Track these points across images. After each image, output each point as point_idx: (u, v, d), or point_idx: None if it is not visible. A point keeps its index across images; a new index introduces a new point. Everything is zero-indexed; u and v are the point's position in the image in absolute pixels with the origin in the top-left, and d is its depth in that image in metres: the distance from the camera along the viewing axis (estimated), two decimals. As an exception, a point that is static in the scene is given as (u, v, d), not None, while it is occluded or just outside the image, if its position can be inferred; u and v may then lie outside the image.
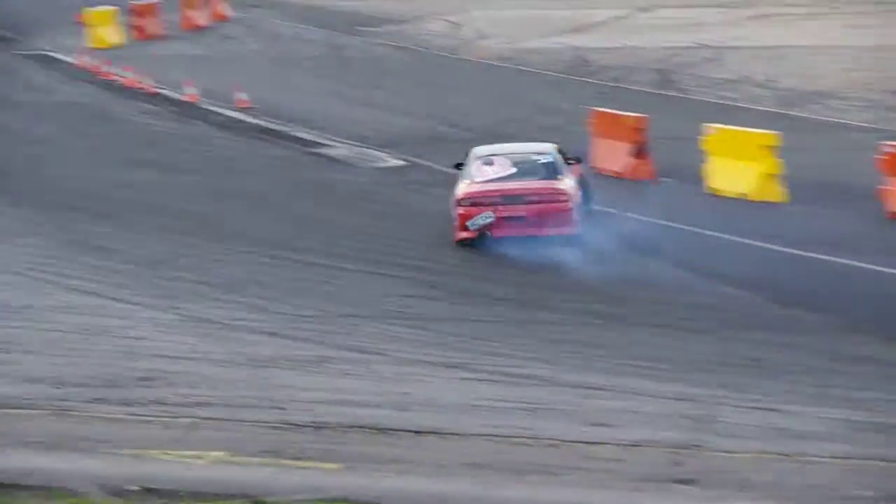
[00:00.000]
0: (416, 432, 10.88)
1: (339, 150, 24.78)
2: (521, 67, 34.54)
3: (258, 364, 13.06)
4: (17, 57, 34.92)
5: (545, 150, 19.05)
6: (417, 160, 23.99)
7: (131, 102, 28.82)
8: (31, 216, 19.13)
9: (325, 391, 12.18)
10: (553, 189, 18.19)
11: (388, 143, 25.19)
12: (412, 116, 28.54)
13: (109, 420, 11.16)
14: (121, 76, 31.40)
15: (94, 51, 35.32)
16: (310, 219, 20.03)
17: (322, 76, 34.07)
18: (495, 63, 35.70)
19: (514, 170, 18.54)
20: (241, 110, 27.93)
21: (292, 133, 25.98)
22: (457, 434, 10.83)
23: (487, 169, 18.55)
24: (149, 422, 11.08)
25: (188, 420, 11.12)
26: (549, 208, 18.00)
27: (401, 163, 23.88)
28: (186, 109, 28.37)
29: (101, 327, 14.11)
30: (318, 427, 10.98)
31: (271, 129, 26.50)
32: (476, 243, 18.03)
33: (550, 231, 17.88)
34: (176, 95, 29.66)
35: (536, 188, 18.23)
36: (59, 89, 30.52)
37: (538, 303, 16.14)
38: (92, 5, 39.52)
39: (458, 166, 18.81)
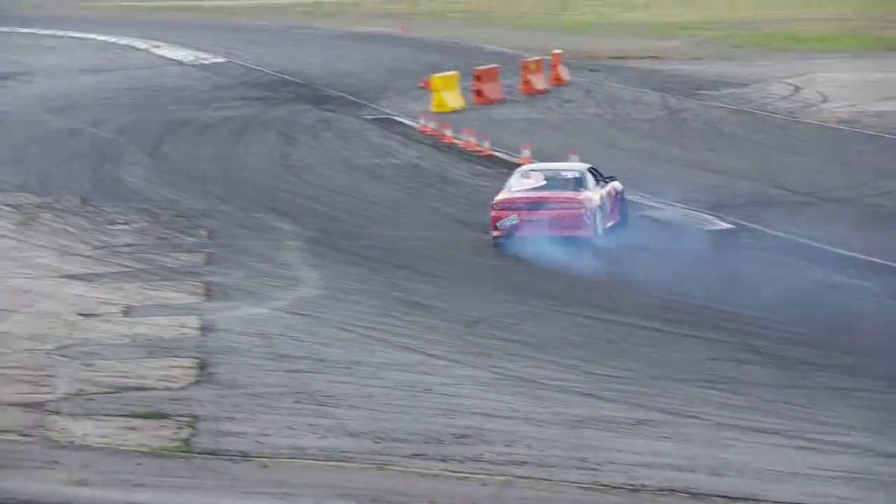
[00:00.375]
0: (731, 498, 10.75)
1: (667, 212, 24.59)
2: (863, 131, 33.50)
3: (573, 424, 13.10)
4: (364, 121, 36.37)
5: (575, 168, 22.99)
6: (749, 223, 23.55)
7: (467, 165, 29.48)
8: (363, 274, 19.77)
9: (639, 453, 12.11)
10: (569, 198, 21.61)
11: (719, 206, 24.83)
12: (745, 179, 28.10)
13: (427, 476, 11.41)
14: (458, 139, 32.23)
15: (435, 115, 36.40)
16: (632, 280, 19.90)
17: (656, 139, 33.98)
18: (836, 126, 34.75)
19: (544, 182, 22.12)
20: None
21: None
22: (772, 501, 10.67)
23: (524, 181, 22.26)
24: (465, 478, 11.29)
25: (503, 478, 11.27)
26: (564, 214, 21.40)
27: (731, 226, 23.46)
28: (519, 172, 28.80)
29: (422, 384, 14.41)
30: (633, 490, 10.94)
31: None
32: (504, 241, 21.24)
33: (565, 233, 21.28)
34: (510, 158, 30.17)
35: (555, 197, 21.67)
36: (399, 152, 31.53)
37: (861, 370, 15.54)
38: (438, 70, 40.92)
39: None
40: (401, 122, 36.15)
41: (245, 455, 11.93)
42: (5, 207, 24.40)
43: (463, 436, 12.60)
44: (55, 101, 39.55)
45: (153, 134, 33.44)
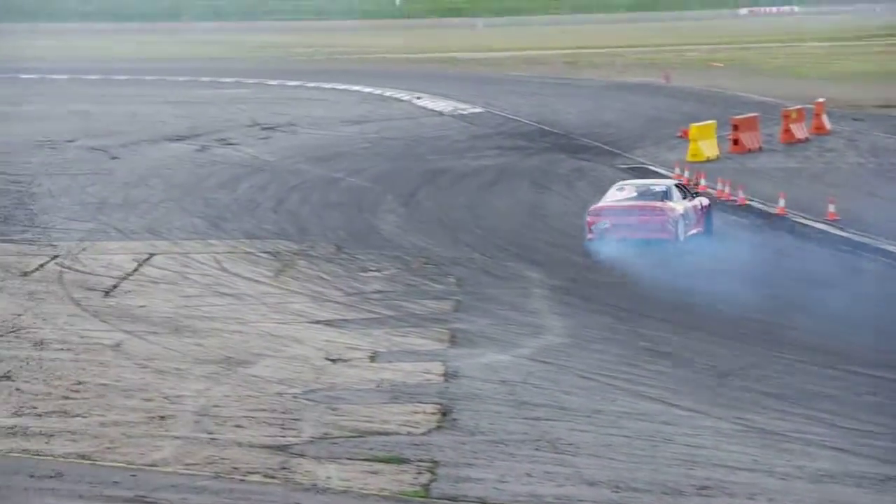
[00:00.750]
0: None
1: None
2: None
3: (817, 478, 12.79)
4: (618, 170, 36.21)
5: (663, 183, 26.79)
6: None
7: (720, 214, 28.99)
8: (609, 323, 19.62)
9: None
10: (654, 207, 24.83)
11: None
12: None
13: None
14: (713, 188, 31.77)
15: (690, 164, 36.04)
16: (889, 332, 19.19)
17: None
18: None
19: (634, 194, 25.45)
20: (829, 223, 27.38)
21: (880, 246, 25.08)
22: None
23: (618, 193, 25.66)
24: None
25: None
26: (649, 220, 24.63)
27: None
28: (774, 221, 28.15)
29: (662, 434, 14.21)
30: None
31: (858, 242, 25.73)
32: (597, 243, 24.64)
33: (650, 236, 24.65)
34: (765, 207, 29.55)
35: (641, 205, 24.92)
36: (652, 201, 31.25)
37: None
38: (697, 120, 40.55)
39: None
40: (655, 172, 35.84)
41: (483, 501, 12.02)
42: (264, 255, 25.20)
43: (704, 487, 12.42)
44: (316, 151, 40.72)
45: (409, 182, 34.07)
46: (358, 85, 67.16)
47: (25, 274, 23.08)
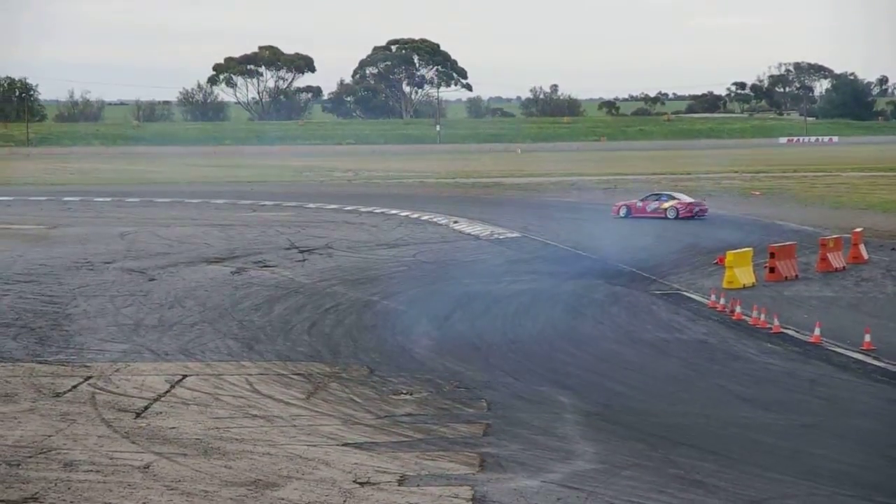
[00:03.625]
0: None
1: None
2: None
3: None
4: (653, 296, 36.18)
5: None
6: None
7: (755, 342, 28.86)
8: (641, 450, 19.42)
9: None
10: None
11: None
12: None
13: None
14: (748, 316, 31.67)
15: (726, 291, 36.00)
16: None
17: (960, 318, 32.47)
18: None
19: None
20: (865, 352, 27.20)
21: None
22: None
23: None
24: None
25: None
26: None
27: None
28: (808, 350, 27.98)
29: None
30: None
31: (894, 373, 25.51)
32: None
33: None
34: (800, 336, 29.40)
35: None
36: (687, 327, 31.13)
37: None
38: (734, 247, 40.58)
39: None
40: (690, 298, 35.79)
41: None
42: (296, 377, 25.22)
43: None
44: (352, 274, 40.89)
45: (443, 306, 34.10)
46: (395, 209, 67.72)
47: (58, 395, 23.16)
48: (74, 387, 23.87)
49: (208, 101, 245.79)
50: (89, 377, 24.76)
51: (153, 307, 33.92)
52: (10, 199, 77.05)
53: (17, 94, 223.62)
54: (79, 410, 21.92)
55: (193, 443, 19.75)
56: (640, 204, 63.38)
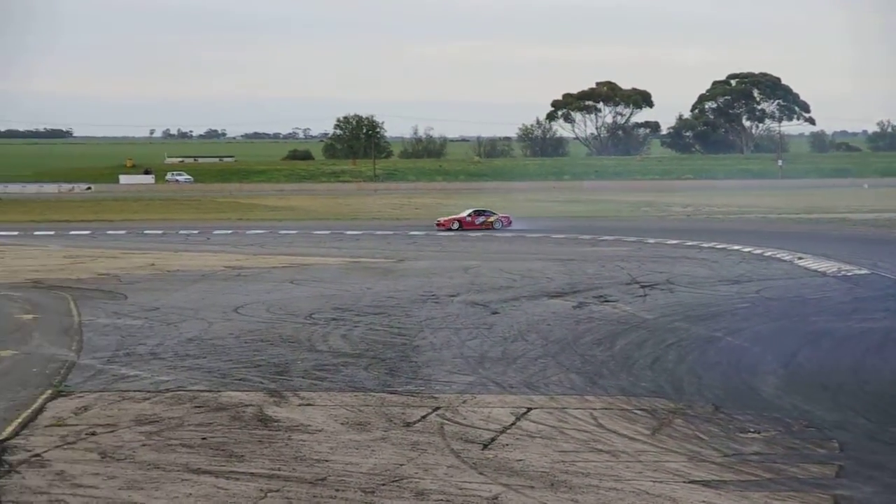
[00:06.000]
0: None
1: None
2: None
3: None
4: None
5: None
6: None
7: None
8: None
9: None
10: None
11: None
12: None
13: None
14: None
15: None
16: None
17: None
18: None
19: None
20: None
21: None
22: None
23: None
24: None
25: None
26: None
27: None
28: None
29: None
30: None
31: None
32: None
33: None
34: None
35: None
36: None
37: None
38: None
39: None
40: None
41: None
42: (640, 412, 25.10)
43: None
44: (694, 310, 40.42)
45: (789, 343, 33.26)
46: (737, 244, 66.59)
47: (408, 425, 23.82)
48: (423, 417, 24.51)
49: (547, 136, 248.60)
50: (437, 408, 25.37)
51: (497, 340, 34.48)
52: (360, 233, 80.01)
53: (365, 131, 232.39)
54: (428, 440, 22.48)
55: (540, 475, 19.93)
56: None
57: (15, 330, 36.52)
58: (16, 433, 22.94)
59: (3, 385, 27.78)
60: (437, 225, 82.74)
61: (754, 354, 31.82)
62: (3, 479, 19.68)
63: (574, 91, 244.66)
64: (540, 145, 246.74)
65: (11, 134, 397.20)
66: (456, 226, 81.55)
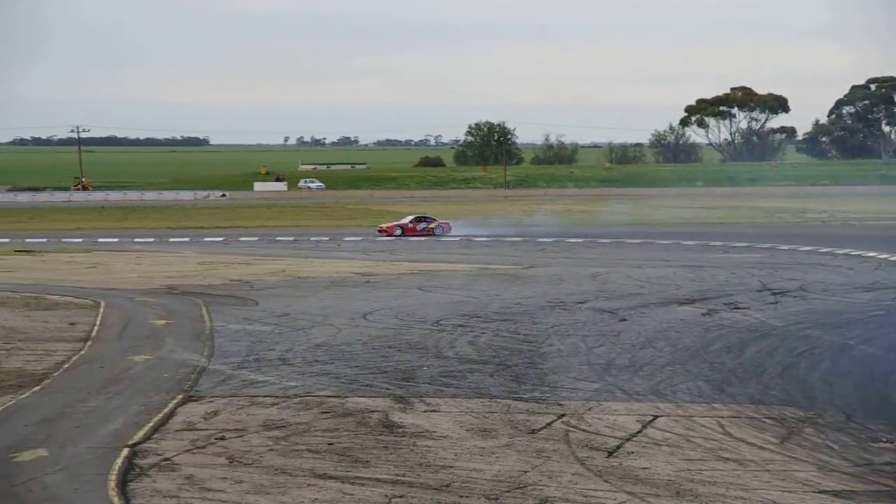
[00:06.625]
0: None
1: None
2: None
3: None
4: None
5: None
6: None
7: None
8: None
9: None
10: None
11: None
12: None
13: None
14: None
15: None
16: None
17: None
18: None
19: None
20: None
21: None
22: None
23: None
24: None
25: None
26: None
27: None
28: None
29: None
30: None
31: None
32: None
33: None
34: None
35: None
36: None
37: None
38: None
39: None
40: None
41: None
42: (769, 420, 24.72)
43: None
44: (827, 317, 39.71)
45: (929, 352, 32.53)
46: (873, 251, 65.25)
47: (533, 432, 23.77)
48: (549, 424, 24.44)
49: (680, 142, 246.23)
50: (563, 415, 25.28)
51: (624, 347, 34.24)
52: (489, 240, 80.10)
53: (497, 138, 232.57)
54: (553, 447, 22.41)
55: (666, 484, 19.74)
56: None
57: (149, 335, 37.25)
58: (147, 437, 23.41)
59: (137, 389, 28.36)
60: (380, 231, 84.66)
61: (889, 363, 31.15)
62: (135, 482, 20.09)
63: (709, 96, 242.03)
64: (672, 151, 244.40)
65: (151, 142, 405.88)
66: (398, 232, 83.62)
